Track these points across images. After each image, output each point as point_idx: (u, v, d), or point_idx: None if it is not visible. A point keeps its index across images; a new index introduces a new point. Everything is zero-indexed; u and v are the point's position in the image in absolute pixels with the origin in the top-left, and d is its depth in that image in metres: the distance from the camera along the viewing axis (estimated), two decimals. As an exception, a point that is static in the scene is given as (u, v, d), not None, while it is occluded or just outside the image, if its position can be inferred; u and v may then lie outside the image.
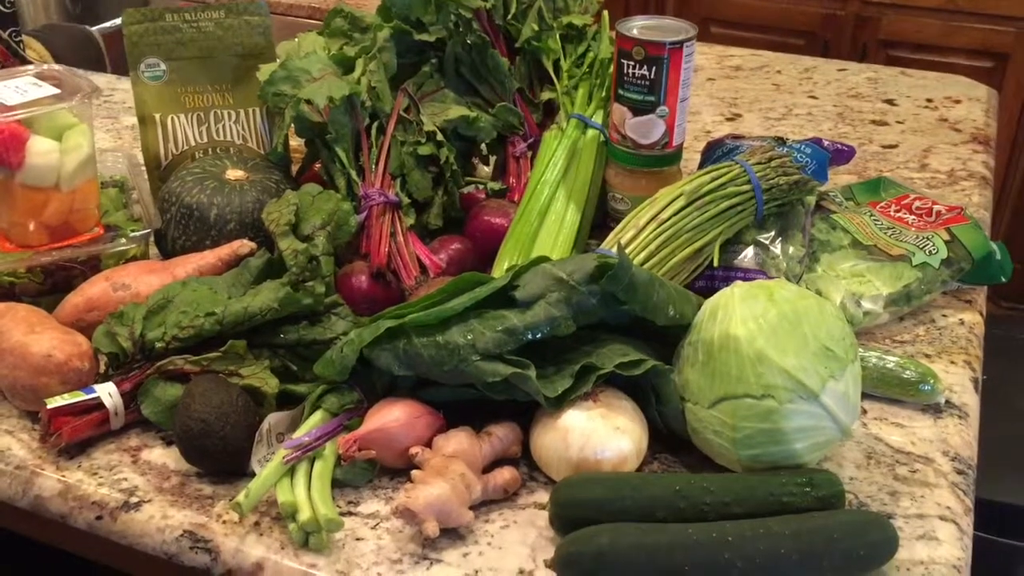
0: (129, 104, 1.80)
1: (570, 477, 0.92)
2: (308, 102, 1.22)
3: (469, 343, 0.95)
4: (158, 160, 1.32)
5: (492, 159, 1.42)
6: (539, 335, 0.96)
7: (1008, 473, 1.33)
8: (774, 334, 0.92)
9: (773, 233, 1.18)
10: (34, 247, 1.17)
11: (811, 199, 1.23)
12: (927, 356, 1.15)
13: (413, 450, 0.96)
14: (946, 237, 1.24)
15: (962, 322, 1.21)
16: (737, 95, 1.87)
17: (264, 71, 1.28)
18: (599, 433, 0.94)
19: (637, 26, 1.21)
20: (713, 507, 0.88)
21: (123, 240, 1.18)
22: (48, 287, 1.16)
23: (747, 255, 1.17)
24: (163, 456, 1.01)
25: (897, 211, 1.32)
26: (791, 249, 1.18)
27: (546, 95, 1.38)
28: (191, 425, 0.94)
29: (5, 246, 1.17)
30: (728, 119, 1.77)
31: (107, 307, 1.11)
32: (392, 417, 0.97)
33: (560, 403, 0.95)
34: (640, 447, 0.96)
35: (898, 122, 1.77)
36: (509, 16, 1.36)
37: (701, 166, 1.36)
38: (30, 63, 1.79)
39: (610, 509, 0.88)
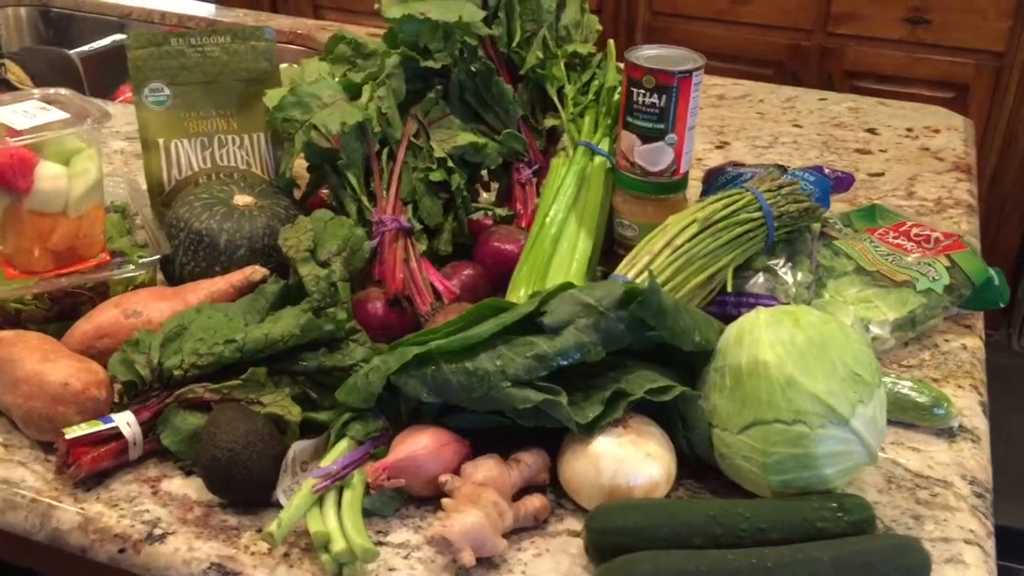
0: (116, 128, 1.78)
1: (605, 504, 0.92)
2: (315, 128, 1.21)
3: (499, 369, 0.95)
4: (161, 185, 1.31)
5: (494, 185, 1.42)
6: (568, 361, 0.96)
7: (1007, 497, 1.36)
8: (803, 359, 0.93)
9: (782, 259, 1.20)
10: (39, 273, 1.15)
11: (817, 226, 1.25)
12: (935, 380, 1.17)
13: (443, 478, 0.95)
14: (947, 263, 1.27)
15: (964, 347, 1.24)
16: (724, 123, 1.90)
17: (271, 96, 1.28)
18: (631, 460, 0.94)
19: (646, 55, 1.22)
20: (749, 533, 0.88)
21: (131, 266, 1.16)
22: (55, 314, 1.14)
23: (757, 281, 1.19)
24: (184, 486, 0.99)
25: (895, 238, 1.35)
26: (799, 275, 1.20)
27: (550, 122, 1.39)
28: (217, 455, 0.93)
29: (9, 272, 1.15)
30: (717, 147, 1.79)
31: (118, 334, 1.09)
32: (420, 445, 0.96)
33: (591, 429, 0.95)
34: (670, 473, 0.96)
35: (881, 151, 1.80)
36: (513, 44, 1.37)
37: (704, 194, 1.38)
38: (13, 87, 1.77)
39: (647, 536, 0.88)
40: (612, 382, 0.98)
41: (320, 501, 0.93)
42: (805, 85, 3.12)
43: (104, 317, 1.10)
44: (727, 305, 1.18)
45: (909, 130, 1.90)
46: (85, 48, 2.26)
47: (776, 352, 0.93)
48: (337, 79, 1.33)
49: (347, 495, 0.94)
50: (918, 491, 1.01)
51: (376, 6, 1.28)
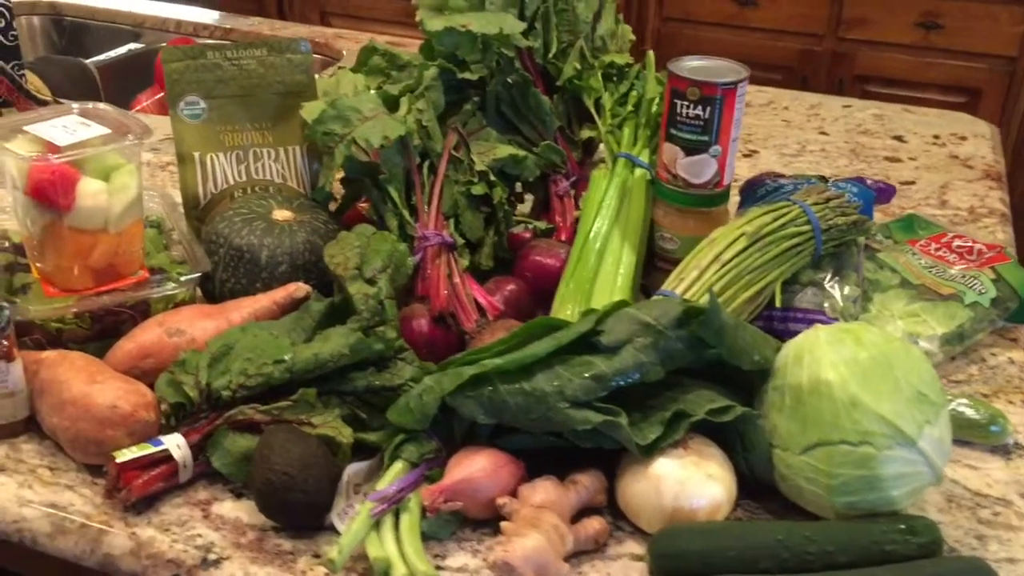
0: (139, 139, 1.76)
1: (669, 528, 0.90)
2: (355, 142, 1.20)
3: (557, 390, 0.93)
4: (196, 199, 1.29)
5: (527, 197, 1.41)
6: (627, 382, 0.94)
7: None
8: (867, 379, 0.91)
9: (829, 273, 1.19)
10: (79, 291, 1.13)
11: (862, 239, 1.23)
12: (984, 395, 1.16)
13: (501, 500, 0.93)
14: (992, 276, 1.26)
15: (1012, 360, 1.23)
16: (750, 132, 1.88)
17: (309, 109, 1.26)
18: (692, 481, 0.92)
19: (689, 66, 1.21)
20: (817, 556, 0.87)
21: (172, 284, 1.15)
22: (95, 333, 1.12)
23: (805, 296, 1.17)
24: (235, 509, 0.97)
25: (937, 249, 1.33)
26: (847, 289, 1.18)
27: (586, 133, 1.38)
28: (272, 478, 0.91)
29: (48, 290, 1.13)
30: (745, 155, 1.78)
31: (161, 354, 1.08)
32: (477, 467, 0.95)
33: (651, 451, 0.94)
34: (731, 494, 0.95)
35: (910, 159, 1.79)
36: (550, 55, 1.35)
37: (742, 205, 1.36)
38: (36, 97, 1.75)
39: (714, 561, 0.87)
40: (670, 402, 0.96)
41: (377, 525, 0.92)
42: (815, 90, 3.11)
43: (147, 336, 1.09)
44: (774, 320, 1.17)
45: (936, 137, 1.89)
46: (101, 57, 2.24)
47: (839, 371, 0.92)
48: (372, 91, 1.31)
49: (405, 519, 0.93)
50: (979, 510, 0.99)
51: (417, 19, 1.27)
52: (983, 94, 3.09)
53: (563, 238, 1.29)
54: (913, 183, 1.69)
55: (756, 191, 1.35)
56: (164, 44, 2.29)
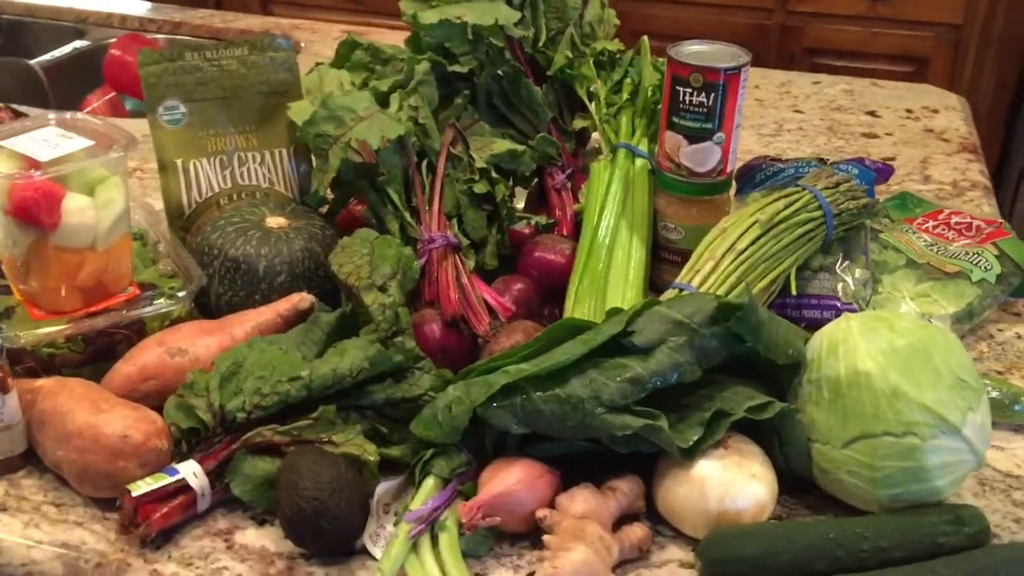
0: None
1: (718, 532, 0.88)
2: (350, 144, 1.15)
3: (593, 395, 0.90)
4: (180, 209, 1.23)
5: (520, 192, 1.37)
6: (664, 383, 0.91)
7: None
8: (906, 368, 0.90)
9: (839, 258, 1.17)
10: (67, 313, 1.07)
11: (869, 222, 1.22)
12: (999, 372, 1.16)
13: (540, 513, 0.90)
14: (995, 252, 1.25)
15: (1019, 335, 1.23)
16: (725, 112, 1.86)
17: (297, 110, 1.21)
18: (736, 482, 0.90)
19: (690, 52, 1.18)
20: (870, 553, 0.86)
21: (167, 300, 1.09)
22: (89, 356, 1.06)
23: (817, 282, 1.16)
24: (259, 537, 0.93)
25: (936, 227, 1.33)
26: (857, 272, 1.17)
27: (579, 123, 1.34)
28: (302, 505, 0.87)
29: (35, 313, 1.07)
30: (724, 137, 1.76)
31: (163, 376, 1.03)
32: (514, 479, 0.91)
33: (693, 453, 0.91)
34: (773, 493, 0.93)
35: (887, 134, 1.79)
36: (539, 44, 1.32)
37: (739, 191, 1.34)
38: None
39: (768, 564, 0.85)
40: (706, 400, 0.94)
41: (414, 546, 0.88)
42: (766, 64, 3.11)
43: (147, 358, 1.03)
44: (787, 308, 1.15)
45: (909, 111, 1.89)
46: (46, 57, 2.14)
47: (876, 361, 0.90)
48: (361, 89, 1.26)
49: (443, 538, 0.89)
50: (1012, 492, 0.99)
51: (405, 11, 1.22)
52: (930, 63, 3.11)
53: (564, 233, 1.26)
54: (894, 159, 1.69)
55: (754, 176, 1.34)
56: (111, 40, 2.20)
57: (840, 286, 1.15)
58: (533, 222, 1.24)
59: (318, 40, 2.16)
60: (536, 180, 1.34)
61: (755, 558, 0.84)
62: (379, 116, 1.14)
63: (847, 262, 1.17)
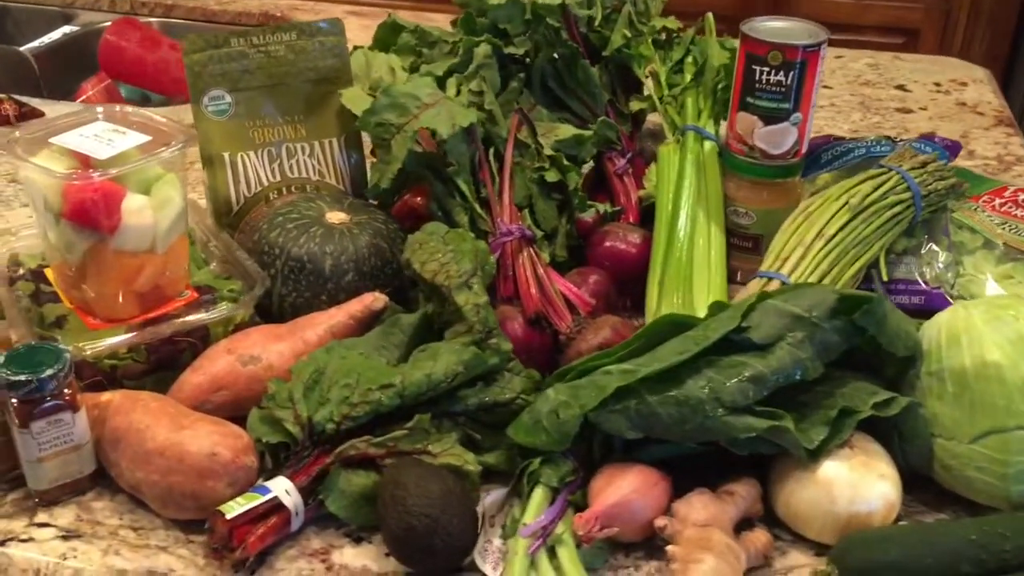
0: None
1: (854, 538, 0.83)
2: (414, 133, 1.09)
3: (712, 396, 0.85)
4: (228, 205, 1.16)
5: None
6: (785, 381, 0.87)
7: None
8: (1038, 358, 0.86)
9: (923, 240, 1.13)
10: (124, 320, 1.00)
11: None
12: (1087, 355, 1.12)
13: (660, 522, 0.86)
14: (1070, 229, 1.22)
15: (1099, 315, 1.19)
16: (755, 89, 1.82)
17: (349, 97, 1.14)
18: (865, 483, 0.86)
19: (767, 28, 1.13)
20: (1013, 554, 0.82)
21: (230, 304, 1.02)
22: (152, 366, 1.00)
23: (904, 266, 1.12)
24: (358, 557, 0.87)
25: (1002, 204, 1.29)
26: (942, 255, 1.13)
27: (636, 105, 1.29)
28: (413, 523, 0.81)
29: (90, 322, 1.00)
30: (759, 115, 1.71)
31: (236, 385, 0.96)
32: (630, 487, 0.86)
33: (819, 454, 0.87)
34: (900, 493, 0.88)
35: (921, 109, 1.75)
36: (596, 23, 1.26)
37: (805, 172, 1.29)
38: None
39: (911, 569, 0.81)
40: (825, 397, 0.89)
41: (532, 563, 0.83)
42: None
43: (217, 367, 0.97)
44: (873, 294, 1.11)
45: (937, 84, 1.86)
46: (35, 44, 2.04)
47: (1005, 352, 0.87)
48: (407, 72, 1.20)
49: (563, 552, 0.84)
50: None
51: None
52: (920, 34, 3.09)
53: (631, 220, 1.21)
54: (933, 134, 1.65)
55: (819, 156, 1.29)
56: (102, 25, 2.10)
57: (927, 270, 1.11)
58: (602, 210, 1.19)
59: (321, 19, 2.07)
60: (591, 165, 1.28)
61: (897, 564, 0.80)
62: (446, 103, 1.08)
63: (930, 244, 1.14)
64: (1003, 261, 1.18)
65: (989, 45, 3.05)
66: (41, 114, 1.62)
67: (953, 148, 1.31)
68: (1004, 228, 1.23)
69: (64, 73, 2.05)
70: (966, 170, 1.40)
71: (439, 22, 1.49)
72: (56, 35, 2.11)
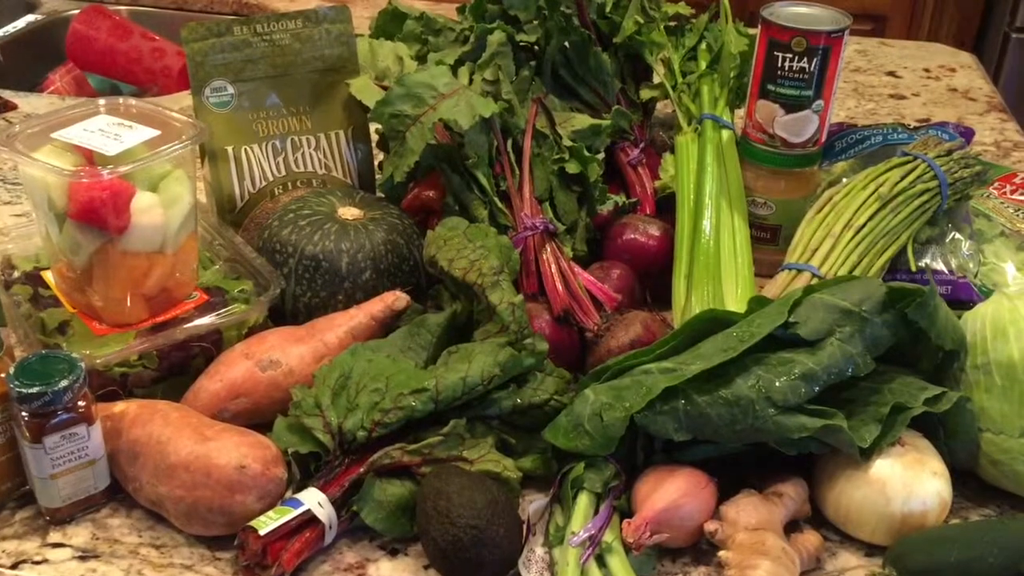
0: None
1: (913, 539, 0.81)
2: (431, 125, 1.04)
3: (763, 395, 0.82)
4: (232, 201, 1.11)
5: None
6: (837, 378, 0.84)
7: None
8: (1088, 350, 0.84)
9: (946, 229, 1.12)
10: (133, 325, 0.95)
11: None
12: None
13: (711, 527, 0.83)
14: (1086, 216, 1.21)
15: (1117, 302, 1.19)
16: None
17: (358, 87, 1.10)
18: (920, 481, 0.83)
19: (789, 14, 1.10)
20: (1073, 549, 0.80)
21: (242, 305, 0.97)
22: (163, 372, 0.94)
23: (927, 255, 1.10)
24: (395, 571, 0.83)
25: (1014, 191, 1.28)
26: (965, 244, 1.12)
27: (648, 93, 1.26)
28: (459, 535, 0.78)
29: (96, 328, 0.95)
30: (755, 102, 1.69)
31: (255, 392, 0.92)
32: (678, 491, 0.83)
33: (871, 452, 0.84)
34: (951, 490, 0.86)
35: (914, 95, 1.74)
36: (607, 10, 1.22)
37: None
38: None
39: (973, 570, 0.78)
40: (873, 393, 0.87)
41: (582, 572, 0.80)
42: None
43: (235, 372, 0.92)
44: (899, 285, 1.09)
45: (927, 70, 1.85)
46: (-1, 33, 1.96)
47: (1055, 343, 0.85)
48: (415, 61, 1.16)
49: (614, 561, 0.81)
50: None
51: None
52: (888, 20, 3.10)
53: (648, 212, 1.18)
54: (928, 120, 1.64)
55: (834, 145, 1.27)
56: (69, 13, 2.02)
57: (951, 258, 1.10)
58: (622, 203, 1.15)
59: (296, 7, 2.01)
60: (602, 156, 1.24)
61: (960, 565, 0.78)
62: (465, 93, 1.03)
63: (953, 233, 1.12)
64: (1023, 249, 1.17)
65: (956, 30, 3.07)
66: (14, 106, 1.55)
67: (967, 135, 1.30)
68: (1019, 215, 1.22)
69: (29, 64, 1.96)
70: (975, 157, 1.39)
71: (433, 7, 1.44)
72: (20, 24, 2.02)
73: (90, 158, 0.91)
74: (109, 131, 0.92)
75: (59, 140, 0.91)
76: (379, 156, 1.19)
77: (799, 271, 1.03)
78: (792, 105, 1.11)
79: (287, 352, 0.94)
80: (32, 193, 0.92)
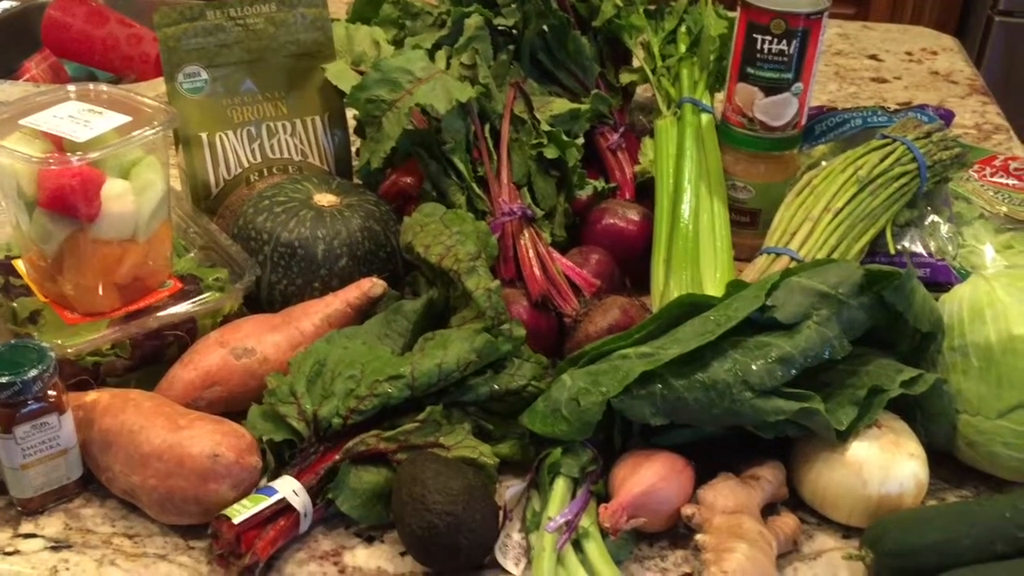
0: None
1: (889, 520, 0.81)
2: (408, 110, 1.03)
3: (739, 379, 0.82)
4: (207, 188, 1.10)
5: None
6: (813, 361, 0.84)
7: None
8: (1065, 331, 0.84)
9: (925, 212, 1.11)
10: (105, 314, 0.94)
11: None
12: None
13: (687, 510, 0.82)
14: (1066, 197, 1.21)
15: (1096, 284, 1.19)
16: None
17: (334, 72, 1.09)
18: (897, 463, 0.83)
19: (764, -4, 1.10)
20: (1049, 530, 0.80)
21: (217, 293, 0.97)
22: (137, 361, 0.94)
23: (906, 238, 1.10)
24: (372, 558, 0.83)
25: (993, 174, 1.28)
26: (943, 227, 1.11)
27: (627, 77, 1.25)
28: (435, 522, 0.77)
29: (68, 317, 0.94)
30: (736, 86, 1.68)
31: (230, 380, 0.91)
32: (655, 475, 0.83)
33: (848, 435, 0.84)
34: (927, 472, 0.86)
35: (896, 78, 1.74)
36: (585, -8, 1.22)
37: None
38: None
39: (950, 552, 0.78)
40: (849, 376, 0.87)
41: (559, 558, 0.79)
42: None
43: (210, 360, 0.91)
44: (879, 268, 1.09)
45: (909, 54, 1.84)
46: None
47: (1032, 325, 0.85)
48: (391, 45, 1.15)
49: (590, 547, 0.80)
50: None
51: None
52: (871, 3, 3.09)
53: (627, 196, 1.17)
54: (909, 103, 1.64)
55: (813, 128, 1.26)
56: (44, 0, 2.00)
57: (929, 241, 1.09)
58: (601, 188, 1.14)
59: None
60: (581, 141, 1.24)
61: (936, 546, 0.78)
62: (442, 77, 1.03)
63: (932, 216, 1.11)
64: (1002, 231, 1.17)
65: (939, 14, 3.07)
66: (-11, 94, 1.53)
67: (946, 117, 1.30)
68: (999, 197, 1.22)
69: (4, 50, 1.94)
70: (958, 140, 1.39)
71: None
72: (-5, 11, 2.00)
73: (59, 145, 0.90)
74: (79, 117, 0.91)
75: (28, 127, 0.90)
76: (357, 142, 1.18)
77: (778, 255, 1.02)
78: (771, 88, 1.10)
79: (262, 340, 0.93)
80: (1, 181, 0.91)
